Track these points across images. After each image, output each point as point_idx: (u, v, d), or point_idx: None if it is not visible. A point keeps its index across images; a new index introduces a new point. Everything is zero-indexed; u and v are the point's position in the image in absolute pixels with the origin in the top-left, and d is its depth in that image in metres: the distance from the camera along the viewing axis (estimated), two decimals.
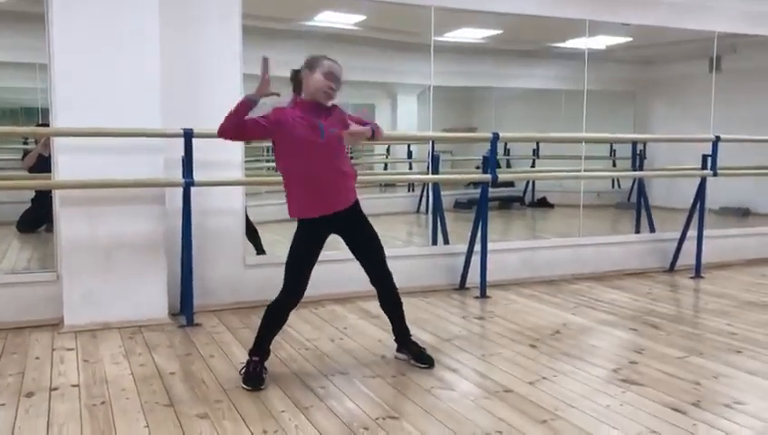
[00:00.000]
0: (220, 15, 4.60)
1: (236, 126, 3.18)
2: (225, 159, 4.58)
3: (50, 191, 4.53)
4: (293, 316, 4.44)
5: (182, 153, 4.16)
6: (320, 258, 5.05)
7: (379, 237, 3.51)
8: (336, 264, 5.04)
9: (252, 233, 5.21)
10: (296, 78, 3.34)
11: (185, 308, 4.33)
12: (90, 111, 4.05)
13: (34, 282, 4.31)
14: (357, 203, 3.44)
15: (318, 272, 4.93)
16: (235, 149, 4.68)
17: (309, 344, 3.89)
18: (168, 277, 4.42)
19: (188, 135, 4.13)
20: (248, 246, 5.01)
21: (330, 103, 3.31)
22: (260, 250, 5.33)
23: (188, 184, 4.17)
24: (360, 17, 6.56)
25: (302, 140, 3.19)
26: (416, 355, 3.54)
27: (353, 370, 3.47)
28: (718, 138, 5.73)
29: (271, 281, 4.78)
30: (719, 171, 5.76)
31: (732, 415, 2.91)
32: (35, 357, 3.66)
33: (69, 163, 4.12)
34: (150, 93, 4.20)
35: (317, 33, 6.82)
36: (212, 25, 4.59)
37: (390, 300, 3.57)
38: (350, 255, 5.16)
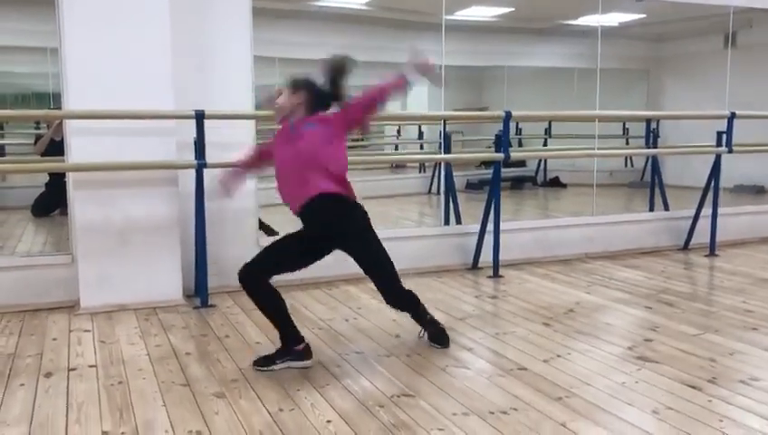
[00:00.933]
0: None
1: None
2: (237, 140, 4.56)
3: (63, 175, 4.56)
4: (307, 297, 4.49)
5: (194, 135, 4.16)
6: None
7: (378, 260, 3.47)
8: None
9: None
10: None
11: (199, 289, 4.36)
12: (102, 94, 4.06)
13: (50, 265, 4.34)
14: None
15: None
16: (247, 129, 4.69)
17: (323, 324, 3.91)
18: (183, 259, 4.44)
19: (200, 117, 4.13)
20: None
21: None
22: (270, 231, 5.35)
23: (201, 166, 4.17)
24: None
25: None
26: (431, 335, 3.54)
27: (368, 349, 3.48)
28: (734, 114, 5.66)
29: None
30: (734, 148, 5.69)
31: (748, 391, 2.90)
32: (53, 338, 3.70)
33: (82, 146, 4.13)
34: (162, 76, 4.19)
35: (328, 13, 6.79)
36: (222, 7, 4.57)
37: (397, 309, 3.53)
38: None
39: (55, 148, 5.47)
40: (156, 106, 4.14)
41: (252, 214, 4.80)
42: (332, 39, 6.91)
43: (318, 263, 4.92)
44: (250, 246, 4.76)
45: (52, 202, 6.12)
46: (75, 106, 4.08)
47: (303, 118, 3.28)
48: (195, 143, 4.16)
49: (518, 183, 8.93)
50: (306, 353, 3.27)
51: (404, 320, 3.96)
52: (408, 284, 4.87)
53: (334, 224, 3.28)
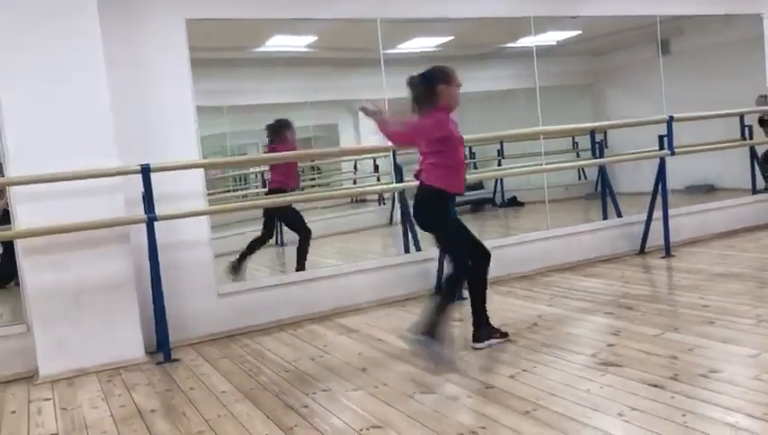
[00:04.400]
0: (166, 50, 4.60)
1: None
2: (186, 190, 4.58)
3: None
4: (272, 341, 4.46)
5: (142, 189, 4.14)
6: (287, 280, 5.10)
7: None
8: (311, 283, 5.08)
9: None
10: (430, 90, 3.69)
11: (161, 345, 4.28)
12: (45, 157, 4.01)
13: (4, 336, 4.22)
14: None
15: (293, 293, 4.98)
16: (196, 179, 4.68)
17: (288, 366, 3.87)
18: (143, 315, 4.37)
19: (146, 170, 4.11)
20: (220, 274, 5.00)
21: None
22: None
23: (151, 219, 4.14)
24: (312, 38, 6.59)
25: (458, 139, 3.76)
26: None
27: (335, 385, 3.45)
28: (671, 117, 5.84)
29: (246, 307, 4.81)
30: (676, 150, 5.86)
31: (708, 384, 2.95)
32: (11, 411, 3.59)
33: (28, 211, 4.07)
34: (103, 132, 4.17)
35: (270, 58, 6.85)
36: (160, 60, 4.59)
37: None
38: (322, 273, 5.23)
39: (7, 216, 5.38)
40: (100, 163, 4.11)
41: (208, 263, 4.76)
42: (277, 84, 6.99)
43: (283, 301, 4.93)
44: (209, 295, 4.75)
45: (6, 273, 5.97)
46: (17, 172, 4.03)
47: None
48: (143, 197, 4.13)
49: (478, 205, 9.03)
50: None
51: (370, 352, 3.96)
52: (373, 315, 4.91)
53: None
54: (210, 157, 6.62)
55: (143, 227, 4.20)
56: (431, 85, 3.69)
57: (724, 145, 6.70)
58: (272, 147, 5.92)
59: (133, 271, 4.32)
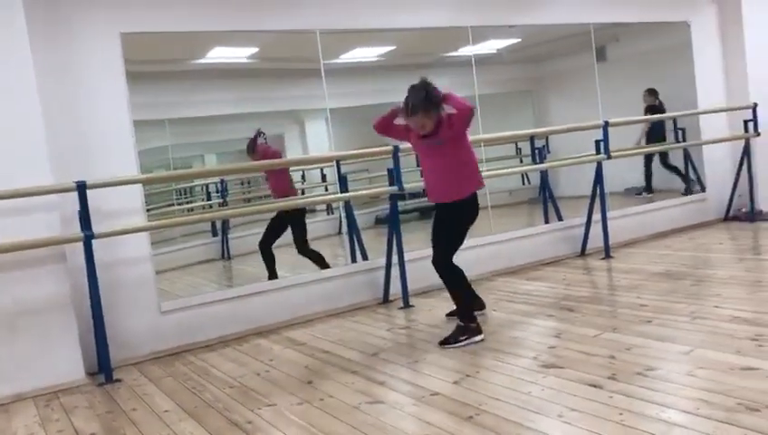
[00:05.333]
0: (101, 64, 4.50)
1: None
2: (124, 206, 4.49)
3: None
4: (216, 357, 4.39)
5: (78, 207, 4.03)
6: (231, 295, 5.05)
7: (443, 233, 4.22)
8: (257, 297, 5.03)
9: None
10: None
11: (102, 366, 4.18)
12: None
13: None
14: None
15: (238, 307, 4.93)
16: (134, 195, 4.59)
17: (233, 382, 3.82)
18: (83, 336, 4.25)
19: (82, 187, 4.01)
20: (163, 291, 4.91)
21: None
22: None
23: (88, 237, 4.04)
24: (253, 49, 6.55)
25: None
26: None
27: (280, 400, 3.42)
28: (606, 122, 6.02)
29: (190, 324, 4.74)
30: (613, 154, 6.03)
31: (645, 382, 3.03)
32: None
33: None
34: (37, 149, 4.05)
35: (211, 70, 6.77)
36: (95, 74, 4.49)
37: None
38: (267, 287, 5.19)
39: None
40: (34, 181, 3.99)
41: (150, 280, 4.67)
42: (219, 95, 6.91)
43: (228, 316, 4.88)
44: (151, 313, 4.66)
45: None
46: None
47: None
48: (79, 215, 4.03)
49: (427, 212, 9.09)
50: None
51: (316, 365, 3.94)
52: (321, 327, 4.89)
53: None
54: (156, 170, 6.53)
55: (81, 245, 4.09)
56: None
57: (658, 148, 6.93)
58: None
59: (70, 291, 4.20)
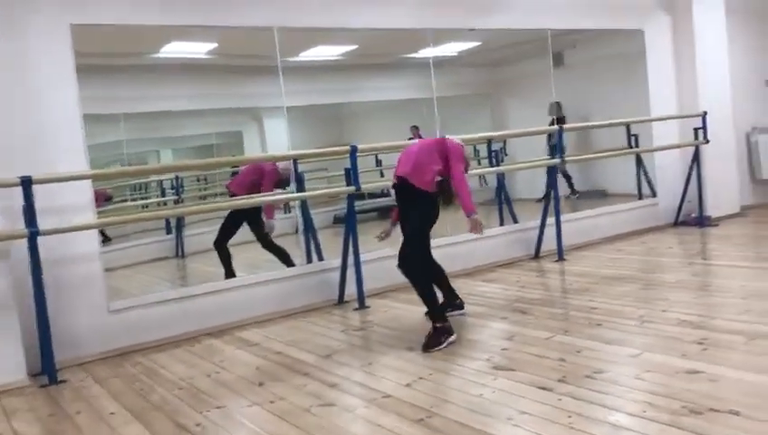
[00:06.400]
0: (50, 56, 4.37)
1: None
2: (73, 202, 4.36)
3: None
4: (167, 358, 4.31)
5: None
6: (183, 294, 4.95)
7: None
8: (209, 296, 4.95)
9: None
10: None
11: (46, 366, 4.05)
12: None
13: None
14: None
15: (190, 307, 4.84)
16: (83, 191, 4.47)
17: (182, 384, 3.74)
18: (27, 335, 4.11)
19: (27, 182, 3.88)
20: (115, 289, 4.80)
21: None
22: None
23: (33, 234, 3.91)
24: (212, 45, 6.45)
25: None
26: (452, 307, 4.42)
27: (230, 402, 3.37)
28: (561, 127, 6.10)
29: (139, 323, 4.63)
30: (566, 158, 6.12)
31: (593, 385, 3.08)
32: None
33: None
34: None
35: (168, 65, 6.64)
36: (44, 67, 4.35)
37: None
38: (220, 286, 5.12)
39: None
40: None
41: (98, 278, 4.55)
42: (176, 90, 6.79)
43: (179, 316, 4.79)
44: (100, 312, 4.55)
45: None
46: None
47: None
48: (24, 211, 3.90)
49: (385, 212, 9.07)
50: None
51: (268, 366, 3.90)
52: (274, 328, 4.84)
53: None
54: (111, 165, 6.37)
55: (25, 241, 3.96)
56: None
57: (611, 153, 7.05)
58: None
59: (13, 289, 4.06)
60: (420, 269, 4.13)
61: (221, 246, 5.76)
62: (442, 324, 3.99)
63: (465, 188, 4.05)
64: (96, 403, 3.58)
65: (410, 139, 7.98)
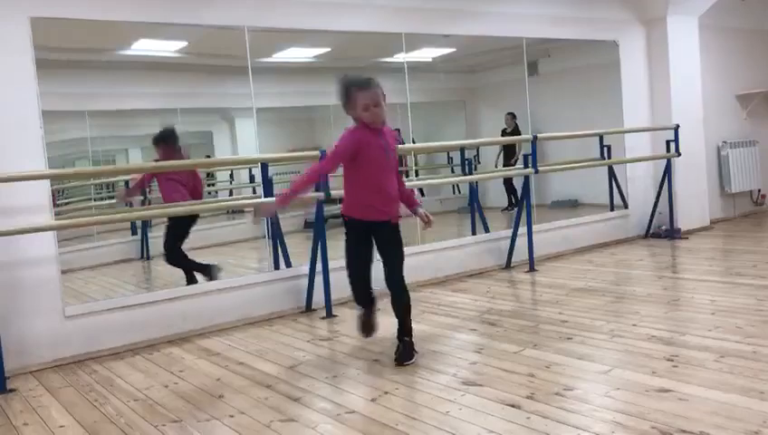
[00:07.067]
0: (7, 49, 4.18)
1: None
2: (29, 203, 4.18)
3: None
4: (124, 366, 4.15)
5: None
6: (144, 299, 4.79)
7: (401, 249, 3.84)
8: (170, 303, 4.80)
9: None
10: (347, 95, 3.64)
11: None
12: None
13: None
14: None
15: (150, 313, 4.68)
16: (41, 191, 4.29)
17: (139, 395, 3.59)
18: None
19: None
20: (73, 292, 4.62)
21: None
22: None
23: None
24: (182, 43, 6.30)
25: (374, 160, 3.68)
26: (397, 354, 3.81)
27: (187, 415, 3.23)
28: (535, 137, 6.06)
29: (96, 330, 4.46)
30: (540, 168, 6.08)
31: (562, 403, 3.00)
32: None
33: None
34: None
35: (136, 62, 6.47)
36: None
37: (395, 303, 3.86)
38: (182, 292, 4.96)
39: None
40: None
41: (54, 281, 4.37)
42: (144, 88, 6.61)
43: (138, 323, 4.63)
44: (54, 317, 4.37)
45: None
46: None
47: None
48: None
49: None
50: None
51: (229, 377, 3.77)
52: (237, 336, 4.71)
53: None
54: (77, 163, 6.17)
55: None
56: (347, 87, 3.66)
57: (584, 164, 7.03)
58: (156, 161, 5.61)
59: None
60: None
61: (173, 255, 5.59)
62: (410, 339, 3.87)
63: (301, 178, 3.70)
64: (45, 415, 3.41)
65: (504, 130, 8.13)
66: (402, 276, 3.81)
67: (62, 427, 3.21)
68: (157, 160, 5.66)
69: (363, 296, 3.92)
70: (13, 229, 3.96)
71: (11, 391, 3.82)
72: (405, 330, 3.85)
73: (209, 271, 5.36)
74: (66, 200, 6.40)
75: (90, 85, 6.08)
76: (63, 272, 4.52)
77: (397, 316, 3.86)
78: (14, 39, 4.20)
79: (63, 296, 4.43)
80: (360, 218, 3.76)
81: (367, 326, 3.99)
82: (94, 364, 4.24)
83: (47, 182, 4.35)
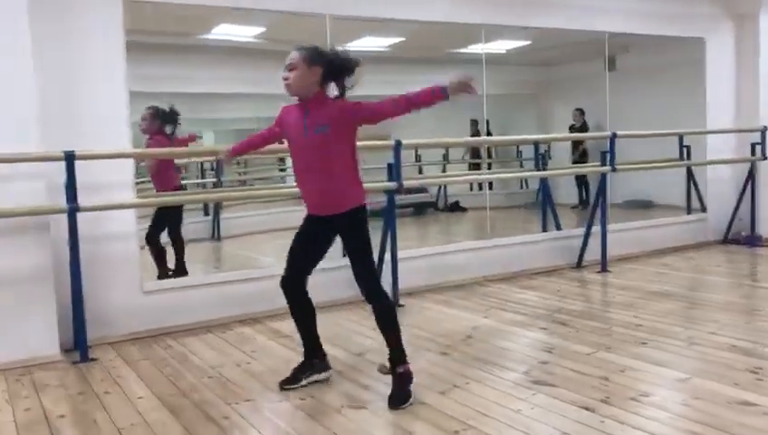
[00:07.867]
0: (101, 31, 4.33)
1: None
2: (114, 180, 4.33)
3: None
4: (198, 342, 4.26)
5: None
6: (218, 279, 4.87)
7: (362, 249, 3.20)
8: (244, 283, 4.89)
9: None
10: None
11: (78, 343, 4.03)
12: None
13: None
14: (351, 212, 3.14)
15: (224, 292, 4.78)
16: (126, 169, 4.44)
17: (212, 372, 3.68)
18: (62, 311, 4.10)
19: (70, 157, 3.85)
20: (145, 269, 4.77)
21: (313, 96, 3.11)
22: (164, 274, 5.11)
23: (73, 210, 3.89)
24: (260, 29, 6.39)
25: (291, 141, 3.23)
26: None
27: (259, 396, 3.30)
28: (615, 134, 5.89)
29: (172, 306, 4.59)
30: (618, 166, 5.91)
31: (639, 408, 2.92)
32: None
33: None
34: (26, 113, 3.89)
35: (215, 46, 6.61)
36: (94, 40, 4.32)
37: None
38: (254, 274, 5.03)
39: None
40: (21, 147, 3.83)
41: (134, 257, 4.52)
42: (222, 72, 6.75)
43: (213, 301, 4.72)
44: (133, 292, 4.52)
45: None
46: None
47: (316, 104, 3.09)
48: (65, 186, 3.88)
49: (420, 209, 8.97)
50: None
51: (299, 360, 3.81)
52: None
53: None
54: None
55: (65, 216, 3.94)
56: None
57: (663, 164, 6.81)
58: (148, 142, 5.36)
59: (52, 263, 4.05)
60: (387, 298, 3.36)
61: (154, 239, 5.26)
62: (405, 369, 3.17)
63: (397, 101, 3.08)
64: (125, 385, 3.54)
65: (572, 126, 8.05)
66: (371, 279, 3.20)
67: (140, 398, 3.33)
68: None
69: (291, 303, 3.39)
70: (99, 205, 4.11)
71: (92, 360, 3.98)
72: (392, 353, 3.21)
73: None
74: (140, 180, 6.63)
75: (168, 68, 6.24)
76: (141, 248, 4.68)
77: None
78: (109, 22, 4.35)
79: (142, 272, 4.58)
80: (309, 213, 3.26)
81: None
82: (169, 339, 4.37)
83: (131, 161, 4.49)
